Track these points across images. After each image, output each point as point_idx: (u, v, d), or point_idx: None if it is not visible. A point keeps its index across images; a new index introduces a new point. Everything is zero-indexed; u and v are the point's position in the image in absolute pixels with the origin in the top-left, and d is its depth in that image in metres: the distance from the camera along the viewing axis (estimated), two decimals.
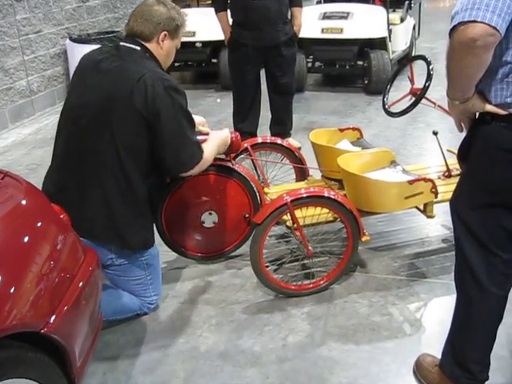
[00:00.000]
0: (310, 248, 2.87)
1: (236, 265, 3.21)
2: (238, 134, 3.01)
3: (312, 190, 2.89)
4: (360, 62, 6.40)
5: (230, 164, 3.06)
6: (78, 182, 2.49)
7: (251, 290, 3.00)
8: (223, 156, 3.05)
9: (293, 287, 2.93)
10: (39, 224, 1.88)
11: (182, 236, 3.12)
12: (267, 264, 3.13)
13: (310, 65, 6.68)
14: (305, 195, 2.81)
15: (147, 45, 2.51)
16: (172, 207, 3.02)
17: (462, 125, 1.98)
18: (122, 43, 2.55)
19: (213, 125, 5.48)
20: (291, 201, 2.75)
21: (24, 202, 1.90)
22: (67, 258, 1.95)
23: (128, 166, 2.44)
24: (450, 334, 2.16)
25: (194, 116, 2.80)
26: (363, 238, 2.89)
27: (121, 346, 2.63)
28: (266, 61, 4.58)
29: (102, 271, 2.65)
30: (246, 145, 3.41)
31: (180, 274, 3.17)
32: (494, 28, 1.57)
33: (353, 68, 6.54)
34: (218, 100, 6.31)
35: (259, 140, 3.55)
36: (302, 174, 3.55)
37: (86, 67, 2.57)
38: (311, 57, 6.63)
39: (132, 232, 2.54)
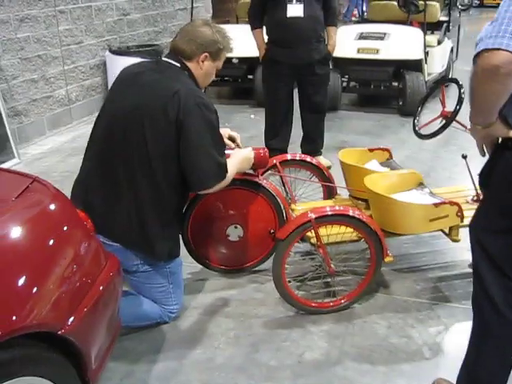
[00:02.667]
0: (332, 266, 2.88)
1: (259, 279, 3.24)
2: (266, 149, 3.05)
3: (337, 208, 2.92)
4: (395, 83, 6.40)
5: (257, 179, 3.10)
6: (110, 189, 2.56)
7: (272, 305, 3.02)
8: (251, 171, 3.09)
9: (313, 304, 2.94)
10: (64, 228, 1.94)
11: (206, 248, 3.17)
12: (290, 280, 3.14)
13: (345, 84, 6.71)
14: (329, 213, 2.83)
15: (187, 63, 2.59)
16: (198, 219, 3.08)
17: (485, 149, 1.99)
18: (163, 58, 2.64)
19: (245, 140, 5.46)
20: (315, 218, 2.77)
21: (50, 207, 1.97)
22: (89, 262, 2.01)
23: (159, 176, 2.50)
24: (466, 360, 2.15)
25: (226, 129, 2.87)
26: (386, 259, 2.90)
27: (139, 352, 2.67)
28: (299, 79, 4.63)
29: (126, 277, 2.73)
30: (274, 161, 3.45)
31: (203, 285, 3.22)
32: None
33: (388, 89, 6.55)
34: (252, 116, 6.37)
35: (288, 157, 3.59)
36: (329, 192, 3.57)
37: (124, 79, 2.67)
38: (346, 76, 6.66)
39: (159, 241, 2.60)
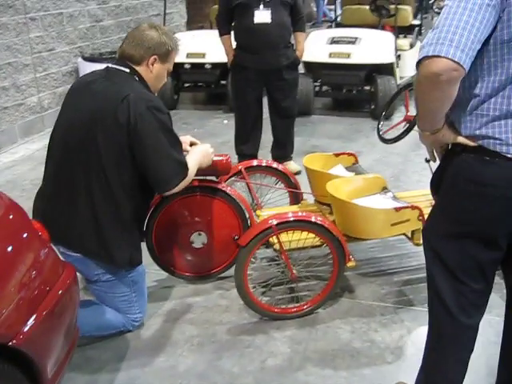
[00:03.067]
0: (294, 272, 2.90)
1: (224, 286, 3.25)
2: (228, 156, 3.06)
3: (299, 214, 2.95)
4: (367, 87, 6.44)
5: (219, 186, 3.11)
6: (68, 198, 2.57)
7: (236, 311, 3.03)
8: (214, 178, 3.11)
9: (276, 310, 2.95)
10: (16, 238, 1.93)
11: (171, 255, 3.17)
12: (255, 286, 3.17)
13: (317, 89, 6.74)
14: (291, 219, 2.85)
15: (137, 68, 2.60)
16: (162, 226, 3.08)
17: (435, 155, 2.01)
18: (111, 65, 2.63)
19: (217, 146, 5.49)
20: (276, 224, 2.79)
21: (3, 216, 1.96)
22: (43, 272, 2.00)
23: (114, 184, 2.51)
24: (423, 364, 2.18)
25: (187, 137, 2.88)
26: (349, 264, 2.92)
27: (102, 361, 2.67)
28: (267, 84, 4.65)
29: (89, 287, 2.73)
30: (240, 167, 3.47)
31: (168, 293, 3.22)
32: (458, 63, 1.60)
33: (360, 93, 6.59)
34: (225, 121, 6.38)
35: (254, 163, 3.60)
36: (296, 198, 3.60)
37: (77, 89, 2.69)
38: (319, 81, 6.70)
39: (118, 248, 2.60)
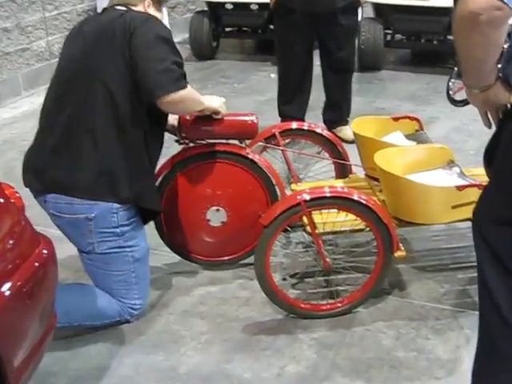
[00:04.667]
0: (327, 260, 2.91)
1: (246, 274, 3.29)
2: (255, 115, 3.10)
3: (338, 189, 2.94)
4: (450, 37, 6.31)
5: (244, 152, 3.14)
6: (67, 133, 2.74)
7: (258, 306, 3.07)
8: (237, 142, 3.17)
9: (304, 306, 2.98)
10: None
11: (183, 234, 3.24)
12: (284, 276, 3.22)
13: (389, 37, 6.67)
14: (327, 195, 2.86)
15: (134, 8, 2.84)
16: (173, 199, 3.15)
17: (490, 119, 1.99)
18: (107, 6, 2.89)
19: (259, 104, 5.65)
20: (307, 200, 2.80)
21: None
22: (13, 244, 2.07)
23: (121, 103, 2.70)
24: (473, 374, 2.16)
25: (212, 96, 3.01)
26: (397, 254, 2.90)
27: (90, 356, 2.76)
28: (319, 31, 4.64)
29: (81, 259, 2.85)
30: (273, 130, 3.50)
31: (177, 279, 3.29)
32: (501, 0, 1.57)
33: (442, 44, 6.49)
34: (272, 75, 6.35)
35: (293, 125, 3.62)
36: (343, 171, 3.60)
37: (72, 34, 2.94)
38: (391, 28, 6.63)
39: (125, 178, 2.74)
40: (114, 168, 2.71)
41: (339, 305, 3.00)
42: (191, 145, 3.12)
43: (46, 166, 2.73)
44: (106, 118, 2.70)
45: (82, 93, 2.71)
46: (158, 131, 2.91)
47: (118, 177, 2.71)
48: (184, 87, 2.69)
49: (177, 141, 3.12)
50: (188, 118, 3.02)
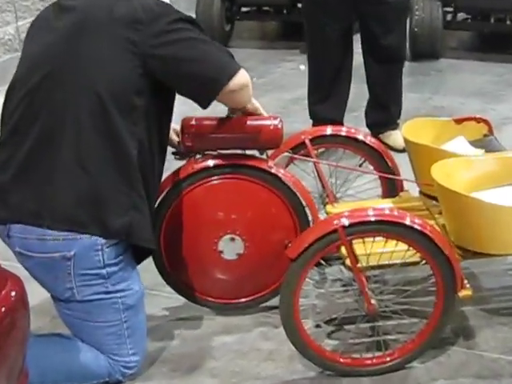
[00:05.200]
0: (372, 302, 2.86)
1: (270, 321, 3.25)
2: (278, 119, 3.07)
3: (386, 212, 2.91)
4: None
5: (266, 165, 3.11)
6: (40, 147, 2.65)
7: (284, 360, 3.03)
8: (257, 154, 3.15)
9: (342, 360, 2.93)
10: None
11: (189, 272, 3.21)
12: (318, 323, 3.17)
13: (449, 17, 6.65)
14: (372, 219, 2.81)
15: None
16: (175, 226, 3.12)
17: None
18: None
19: (285, 104, 5.67)
20: (346, 226, 2.75)
21: None
22: None
23: (113, 112, 2.62)
24: None
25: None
26: (462, 293, 2.86)
27: None
28: (360, 10, 4.61)
29: (59, 310, 2.80)
30: (303, 137, 3.46)
31: (184, 328, 3.25)
32: None
33: None
34: (302, 67, 6.31)
35: (327, 131, 3.59)
36: (392, 188, 3.57)
37: (46, 13, 2.88)
38: (452, 5, 6.58)
39: (114, 204, 2.66)
40: (100, 191, 2.64)
41: (388, 359, 2.94)
42: (198, 157, 3.10)
43: (11, 188, 2.66)
44: (92, 130, 2.63)
45: (61, 100, 2.65)
46: (158, 148, 2.86)
47: (105, 203, 2.64)
48: (237, 69, 2.78)
49: (175, 153, 3.11)
50: (193, 122, 3.01)
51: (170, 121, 2.93)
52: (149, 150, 2.76)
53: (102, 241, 2.62)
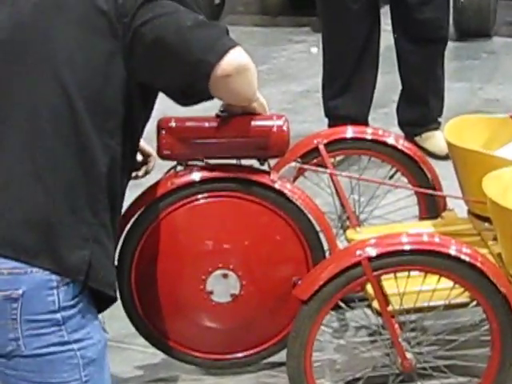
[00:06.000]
0: (408, 356, 2.87)
1: (274, 382, 3.29)
2: (284, 118, 3.07)
3: (424, 238, 2.93)
4: None
5: (267, 179, 3.13)
6: None
7: None
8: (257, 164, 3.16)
9: None
10: None
11: (168, 318, 3.21)
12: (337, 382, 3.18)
13: None
14: (406, 248, 2.84)
15: None
16: (150, 260, 3.14)
17: None
18: None
19: (293, 97, 5.64)
20: (372, 258, 2.78)
21: None
22: None
23: (81, 110, 2.60)
24: None
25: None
26: None
27: None
28: None
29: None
30: (316, 141, 3.50)
31: None
32: None
33: None
34: (314, 50, 6.37)
35: (348, 133, 3.63)
36: (432, 206, 3.60)
37: None
38: None
39: (71, 234, 2.64)
40: (56, 214, 2.60)
41: None
42: (179, 169, 3.11)
43: None
44: (53, 133, 2.60)
45: (16, 79, 2.65)
46: (129, 168, 2.86)
47: (60, 229, 2.61)
48: (233, 45, 2.77)
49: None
50: (173, 124, 3.03)
51: (143, 132, 2.92)
52: (121, 169, 2.75)
53: (57, 277, 2.65)
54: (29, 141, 2.62)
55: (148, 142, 2.90)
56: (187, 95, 2.83)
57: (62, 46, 2.64)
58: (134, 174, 3.07)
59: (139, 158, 3.09)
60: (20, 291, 2.54)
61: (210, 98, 2.84)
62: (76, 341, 2.68)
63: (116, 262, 2.97)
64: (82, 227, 2.63)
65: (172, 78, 2.80)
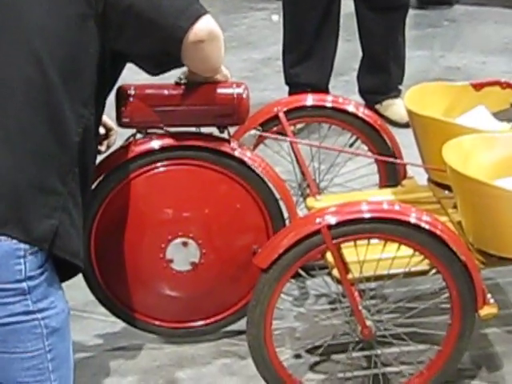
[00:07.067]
0: (368, 324, 2.87)
1: (234, 350, 3.28)
2: (244, 86, 3.06)
3: (384, 206, 2.93)
4: None
5: (227, 147, 3.12)
6: None
7: None
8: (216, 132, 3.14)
9: None
10: None
11: (128, 287, 3.21)
12: (298, 352, 3.20)
13: None
14: (366, 216, 2.83)
15: None
16: (110, 228, 3.13)
17: None
18: None
19: (252, 66, 5.63)
20: (332, 225, 2.77)
21: None
22: None
23: (57, 91, 2.59)
24: None
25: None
26: (483, 312, 2.88)
27: None
28: None
29: None
30: (276, 109, 3.49)
31: (122, 359, 3.27)
32: None
33: None
34: (275, 17, 6.36)
35: (308, 101, 3.61)
36: (392, 174, 3.61)
37: None
38: None
39: (39, 203, 2.62)
40: (25, 182, 2.58)
41: None
42: (139, 137, 3.09)
43: None
44: (26, 101, 2.59)
45: None
46: (97, 136, 2.86)
47: (29, 197, 2.59)
48: (203, 12, 2.79)
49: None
50: (132, 91, 2.99)
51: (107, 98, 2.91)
52: (93, 139, 2.76)
53: (25, 245, 2.63)
54: (1, 109, 2.59)
55: (108, 109, 2.81)
56: (160, 63, 2.85)
57: (33, 16, 2.62)
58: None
59: (101, 131, 3.07)
60: None
61: (181, 65, 2.87)
62: (40, 310, 2.67)
63: None
64: (50, 196, 2.63)
65: (146, 44, 2.80)
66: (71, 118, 2.63)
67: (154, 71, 2.90)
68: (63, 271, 2.75)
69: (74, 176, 2.69)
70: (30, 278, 2.61)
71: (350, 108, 3.56)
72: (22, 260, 2.56)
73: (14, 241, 2.54)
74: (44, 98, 2.58)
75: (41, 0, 2.64)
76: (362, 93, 4.95)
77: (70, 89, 2.61)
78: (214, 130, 3.13)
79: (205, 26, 2.76)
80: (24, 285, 2.61)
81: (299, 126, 3.72)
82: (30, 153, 2.60)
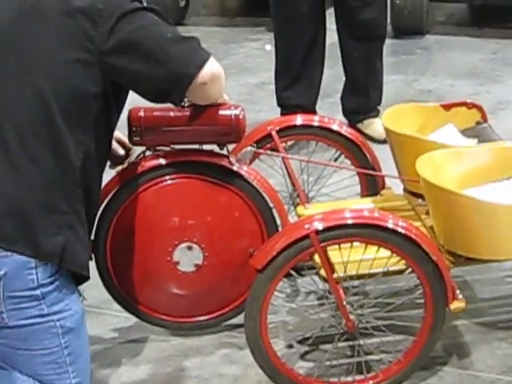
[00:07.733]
0: (351, 317, 2.88)
1: (234, 341, 3.28)
2: (240, 108, 3.07)
3: (365, 214, 2.94)
4: None
5: (226, 162, 3.12)
6: None
7: None
8: (217, 149, 3.14)
9: None
10: None
11: (140, 286, 3.21)
12: (290, 343, 3.21)
13: None
14: (349, 222, 2.84)
15: None
16: (122, 235, 3.13)
17: None
18: None
19: (251, 89, 5.65)
20: (319, 230, 2.78)
21: None
22: None
23: (59, 124, 2.59)
24: None
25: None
26: (453, 306, 2.89)
27: None
28: None
29: None
30: (269, 128, 3.50)
31: (135, 352, 3.26)
32: None
33: None
34: (268, 47, 6.34)
35: (298, 120, 3.62)
36: (372, 185, 3.62)
37: None
38: None
39: (46, 222, 2.61)
40: (32, 203, 2.58)
41: (371, 382, 2.96)
42: (148, 153, 3.10)
43: None
44: (32, 134, 2.58)
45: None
46: (104, 159, 2.86)
47: (36, 217, 2.59)
48: (207, 56, 2.80)
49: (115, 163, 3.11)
50: (142, 113, 3.00)
51: (116, 124, 2.89)
52: (95, 161, 2.74)
53: (35, 259, 2.63)
54: (9, 139, 2.59)
55: (120, 129, 2.82)
56: (162, 98, 2.85)
57: (39, 60, 2.61)
58: (119, 167, 3.12)
59: (122, 152, 3.09)
60: (2, 272, 2.52)
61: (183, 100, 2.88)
62: (55, 313, 2.66)
63: (93, 237, 3.01)
64: (56, 216, 2.61)
65: (152, 84, 2.79)
66: (72, 145, 2.62)
67: (155, 102, 2.90)
68: (75, 277, 2.75)
69: (78, 196, 2.68)
70: (43, 285, 2.60)
71: (335, 127, 3.57)
72: (33, 271, 2.56)
73: (25, 255, 2.55)
74: (47, 130, 2.58)
75: (46, 45, 2.62)
76: (345, 113, 4.95)
77: (71, 120, 2.61)
78: (215, 147, 3.14)
79: (209, 70, 2.76)
80: (38, 292, 2.60)
81: (290, 142, 3.69)
82: (35, 178, 2.59)
